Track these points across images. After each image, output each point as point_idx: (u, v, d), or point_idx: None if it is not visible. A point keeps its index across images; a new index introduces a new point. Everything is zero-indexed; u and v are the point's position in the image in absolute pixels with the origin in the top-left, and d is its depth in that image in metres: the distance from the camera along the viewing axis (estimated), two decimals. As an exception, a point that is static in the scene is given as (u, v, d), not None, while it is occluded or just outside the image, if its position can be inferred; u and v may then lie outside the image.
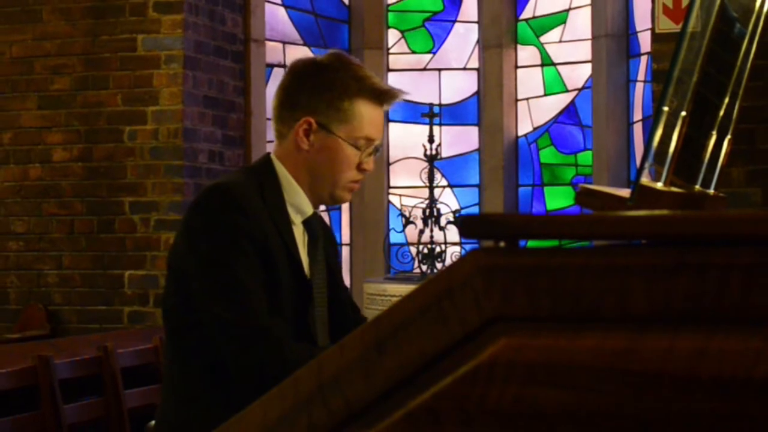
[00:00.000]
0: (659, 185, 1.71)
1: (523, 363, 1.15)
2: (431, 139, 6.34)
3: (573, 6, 7.10)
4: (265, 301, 2.27)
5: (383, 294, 5.80)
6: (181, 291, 2.33)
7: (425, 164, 6.42)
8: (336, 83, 2.43)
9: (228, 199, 2.31)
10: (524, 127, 7.22)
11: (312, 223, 2.48)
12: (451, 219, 6.42)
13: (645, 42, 6.50)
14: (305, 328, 2.38)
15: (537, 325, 1.15)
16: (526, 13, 7.24)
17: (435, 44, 7.41)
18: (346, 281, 7.28)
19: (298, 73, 2.49)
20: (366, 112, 2.43)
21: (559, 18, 7.16)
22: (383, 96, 2.46)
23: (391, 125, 7.33)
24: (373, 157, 2.49)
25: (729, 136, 2.20)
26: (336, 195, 2.48)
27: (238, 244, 2.27)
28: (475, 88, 7.33)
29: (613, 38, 6.76)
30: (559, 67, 7.15)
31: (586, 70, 6.97)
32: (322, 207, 2.69)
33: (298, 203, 2.45)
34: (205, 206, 2.34)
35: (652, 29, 5.74)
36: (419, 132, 6.84)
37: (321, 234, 2.53)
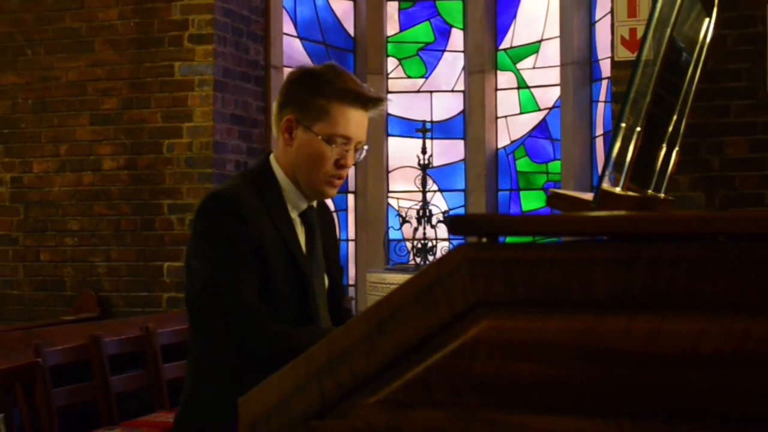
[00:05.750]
0: (618, 190, 1.70)
1: (503, 341, 1.14)
2: (424, 151, 6.34)
3: (544, 38, 7.09)
4: (255, 292, 2.19)
5: (383, 282, 5.79)
6: (191, 287, 2.27)
7: (419, 172, 6.41)
8: (316, 85, 2.28)
9: (223, 205, 2.22)
10: (503, 141, 7.21)
11: (307, 216, 2.36)
12: (441, 218, 6.41)
13: (606, 68, 6.49)
14: (307, 314, 2.29)
15: (514, 308, 1.15)
16: (505, 44, 7.23)
17: (427, 70, 7.40)
18: (351, 272, 7.29)
19: (291, 79, 2.36)
20: (341, 112, 2.26)
21: (533, 48, 7.15)
22: (356, 97, 2.28)
23: (390, 139, 7.32)
24: (353, 154, 2.31)
25: (677, 148, 2.20)
26: (317, 189, 2.32)
27: (233, 245, 2.19)
28: (461, 108, 7.32)
29: (579, 65, 6.75)
30: (533, 90, 7.14)
31: (556, 92, 6.97)
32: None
33: (294, 199, 2.33)
34: (205, 213, 2.25)
35: (612, 57, 5.73)
36: (414, 145, 6.84)
37: (317, 226, 2.40)
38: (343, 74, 2.32)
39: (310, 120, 2.28)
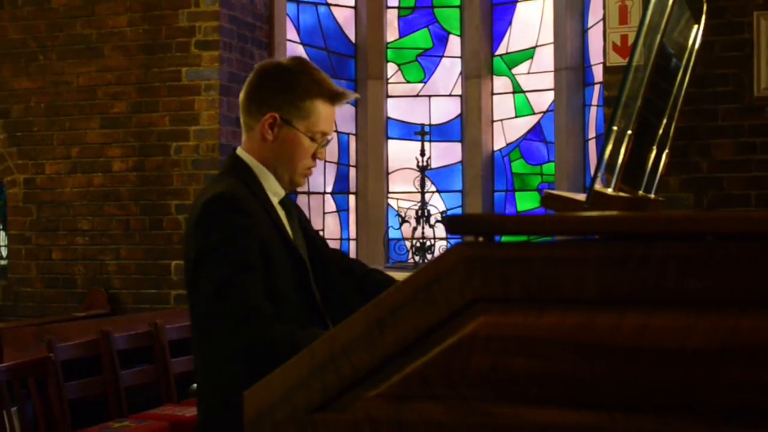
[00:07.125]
0: (610, 191, 1.70)
1: (498, 337, 1.14)
2: (423, 153, 6.34)
3: (539, 44, 7.09)
4: (261, 292, 2.16)
5: (383, 280, 5.78)
6: (193, 288, 2.23)
7: (418, 173, 6.42)
8: (298, 84, 2.33)
9: (226, 206, 2.20)
10: (499, 143, 7.21)
11: (286, 201, 2.38)
12: (439, 218, 6.42)
13: (598, 73, 6.49)
14: (311, 298, 2.28)
15: (509, 305, 1.15)
16: (501, 50, 7.23)
17: (426, 75, 7.40)
18: (353, 270, 7.29)
19: (264, 73, 2.38)
20: (322, 110, 2.33)
21: (528, 54, 7.15)
22: (337, 97, 2.36)
23: (390, 141, 7.32)
24: (325, 148, 2.40)
25: (667, 151, 2.20)
26: (294, 180, 2.37)
27: (238, 246, 2.16)
28: (458, 111, 7.32)
29: (572, 70, 6.75)
30: (528, 94, 7.14)
31: (550, 96, 6.96)
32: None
33: (274, 187, 2.35)
34: (213, 213, 2.20)
35: (604, 63, 5.73)
36: (413, 147, 6.84)
37: (293, 208, 2.43)
38: (318, 72, 2.38)
39: (297, 118, 2.32)
